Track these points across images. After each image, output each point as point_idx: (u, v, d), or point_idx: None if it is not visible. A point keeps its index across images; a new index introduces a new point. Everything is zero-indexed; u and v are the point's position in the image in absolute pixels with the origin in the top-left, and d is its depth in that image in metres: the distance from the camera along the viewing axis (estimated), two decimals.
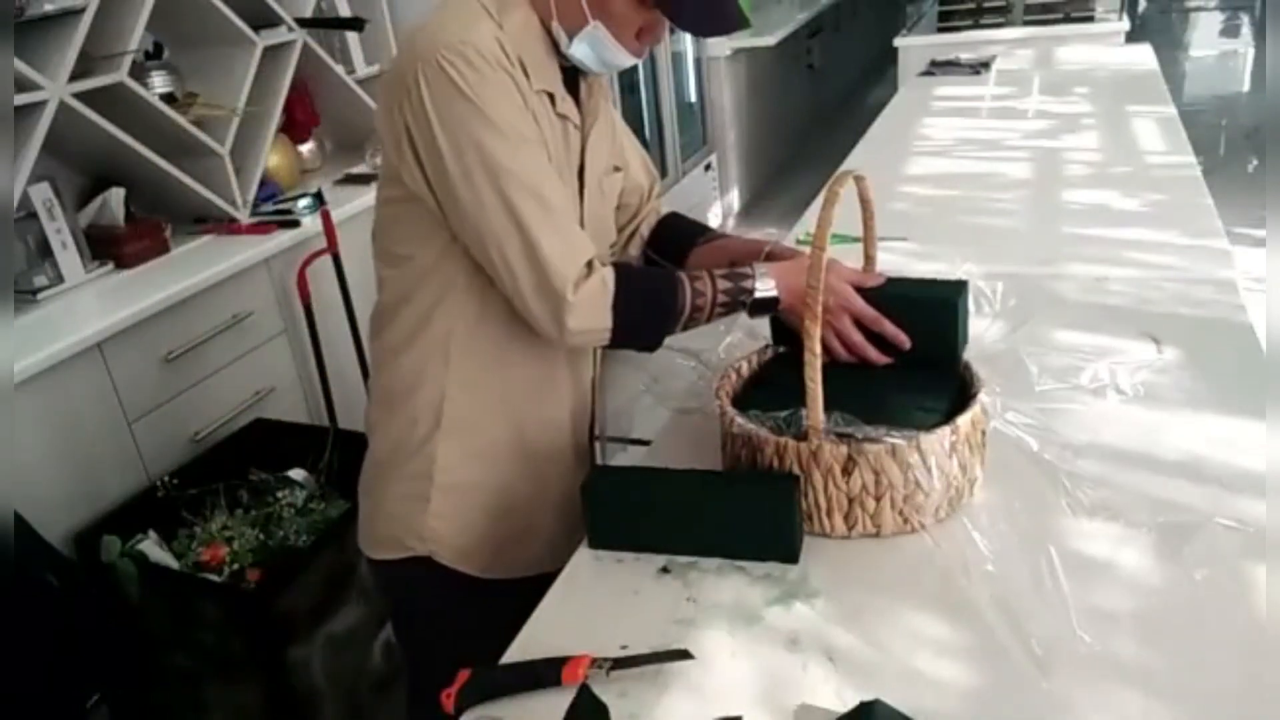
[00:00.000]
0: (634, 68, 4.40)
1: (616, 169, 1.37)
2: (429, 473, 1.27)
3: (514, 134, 1.11)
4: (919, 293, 1.29)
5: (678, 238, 1.46)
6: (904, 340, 1.23)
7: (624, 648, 0.99)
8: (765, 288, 1.21)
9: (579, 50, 1.17)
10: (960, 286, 1.28)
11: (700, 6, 1.15)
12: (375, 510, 1.35)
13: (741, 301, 1.21)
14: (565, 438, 1.36)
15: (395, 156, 1.15)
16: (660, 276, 1.22)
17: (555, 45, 1.19)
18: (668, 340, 1.22)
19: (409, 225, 1.20)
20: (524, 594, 1.11)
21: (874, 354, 1.24)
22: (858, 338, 1.23)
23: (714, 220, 5.06)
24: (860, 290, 1.24)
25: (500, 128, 1.10)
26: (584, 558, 1.16)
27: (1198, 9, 11.06)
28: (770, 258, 1.32)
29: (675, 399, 1.47)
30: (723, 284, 1.21)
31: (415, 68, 1.09)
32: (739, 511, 1.10)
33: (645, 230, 1.48)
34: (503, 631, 1.04)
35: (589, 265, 1.15)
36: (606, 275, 1.16)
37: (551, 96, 1.19)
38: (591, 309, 1.14)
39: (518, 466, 1.31)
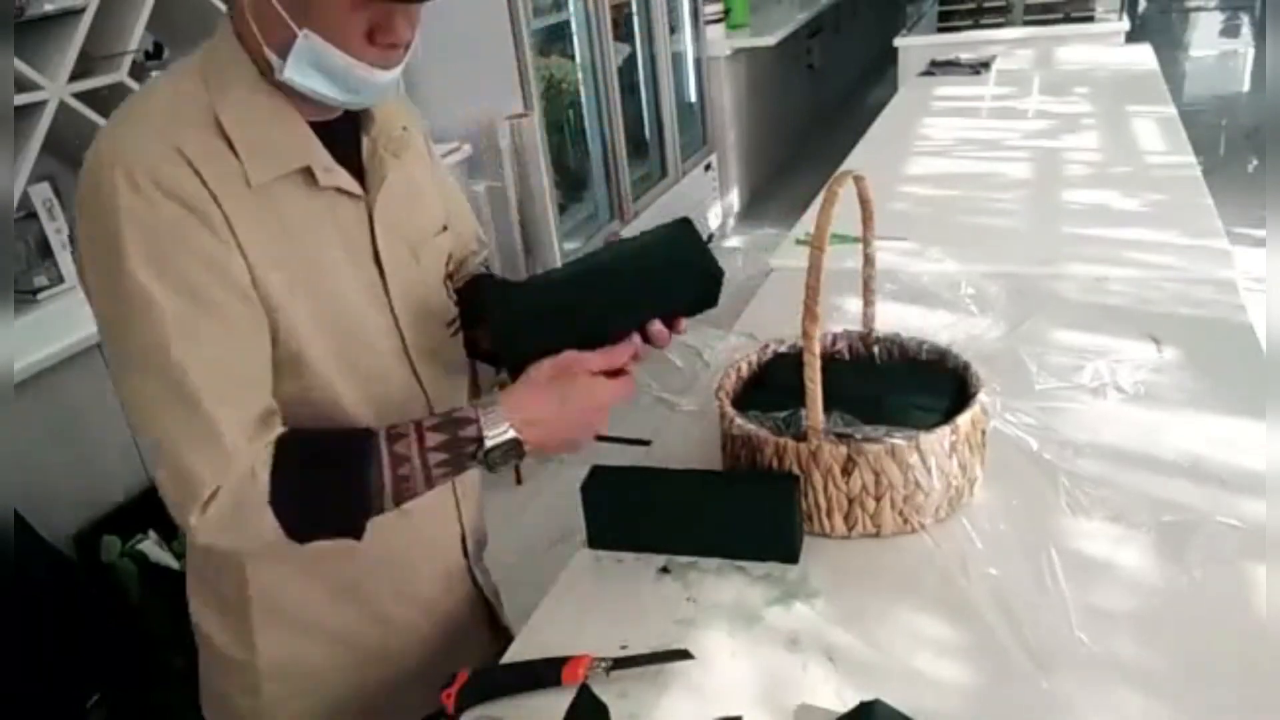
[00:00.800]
0: (633, 66, 4.40)
1: (445, 229, 1.13)
2: (251, 661, 1.08)
3: (172, 285, 0.86)
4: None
5: (472, 307, 1.18)
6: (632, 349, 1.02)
7: (624, 647, 0.99)
8: (497, 432, 0.94)
9: (296, 73, 0.90)
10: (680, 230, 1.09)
11: None
12: (201, 679, 1.15)
13: (469, 454, 0.94)
14: (427, 566, 1.14)
15: None
16: (344, 451, 0.93)
17: (306, 99, 0.93)
18: None
19: None
20: None
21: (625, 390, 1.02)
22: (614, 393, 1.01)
23: (714, 220, 5.06)
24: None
25: (148, 276, 0.86)
26: (584, 558, 1.16)
27: (1198, 9, 11.05)
28: None
29: (675, 399, 1.47)
30: (435, 438, 0.94)
31: (80, 189, 0.89)
32: (739, 511, 1.10)
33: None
34: None
35: (231, 473, 0.88)
36: (260, 469, 0.89)
37: (310, 172, 0.95)
38: (235, 521, 0.89)
39: (351, 619, 1.10)
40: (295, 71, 0.90)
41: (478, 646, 1.22)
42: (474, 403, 0.97)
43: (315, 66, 0.90)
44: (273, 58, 0.91)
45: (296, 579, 1.06)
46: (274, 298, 0.93)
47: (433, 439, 0.94)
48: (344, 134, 1.00)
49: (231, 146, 0.91)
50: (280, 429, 0.93)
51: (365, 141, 1.03)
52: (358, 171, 1.01)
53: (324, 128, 0.98)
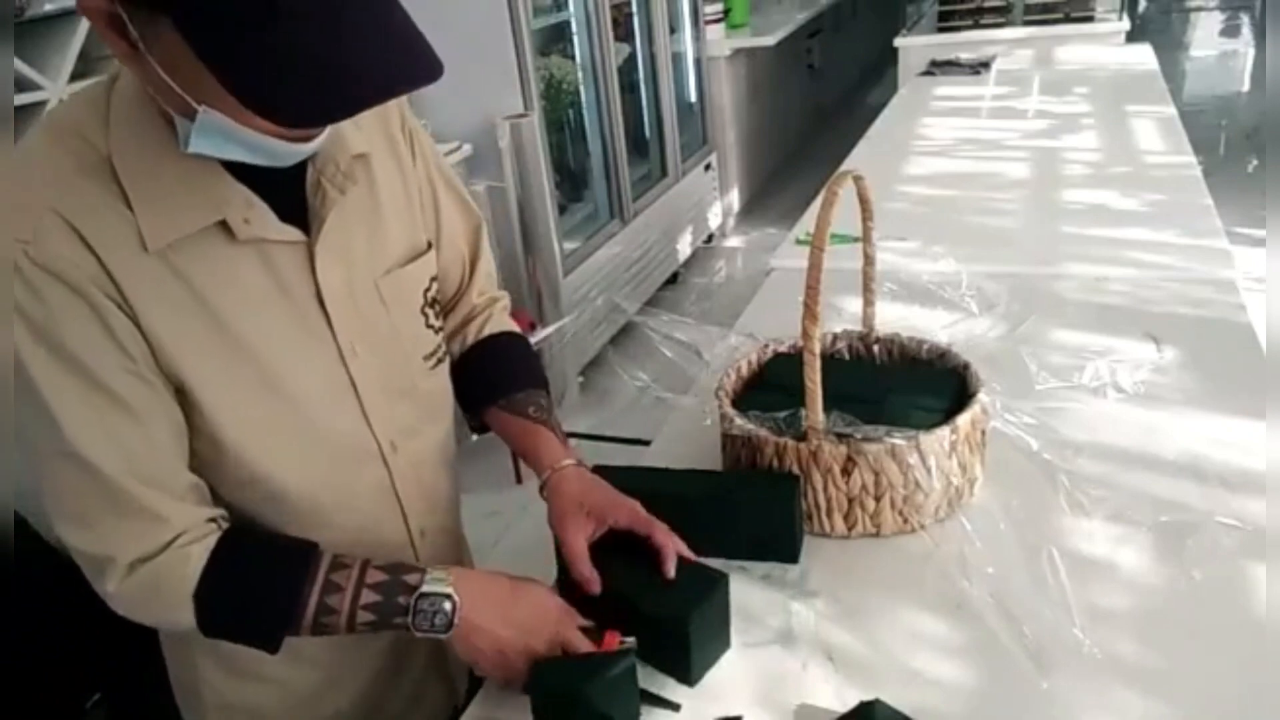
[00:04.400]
0: (633, 66, 4.40)
1: (425, 250, 1.04)
2: (196, 688, 1.07)
3: (66, 376, 0.80)
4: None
5: (477, 384, 1.13)
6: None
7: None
8: (436, 588, 0.90)
9: (207, 147, 0.78)
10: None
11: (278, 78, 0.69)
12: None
13: (396, 624, 0.90)
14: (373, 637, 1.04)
15: None
16: (285, 563, 0.90)
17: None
18: (667, 339, 1.18)
19: None
20: None
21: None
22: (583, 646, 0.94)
23: (714, 220, 5.06)
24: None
25: (41, 369, 0.80)
26: None
27: (1198, 9, 11.05)
28: (547, 485, 1.05)
29: (675, 399, 1.46)
30: (369, 596, 0.90)
31: None
32: (739, 511, 1.10)
33: (471, 336, 1.14)
34: None
35: (162, 544, 0.86)
36: (194, 557, 0.86)
37: (226, 225, 0.85)
38: (152, 599, 0.87)
39: (295, 671, 1.05)
40: (202, 145, 0.78)
41: (436, 706, 1.16)
42: (428, 572, 0.92)
43: (224, 138, 0.77)
44: (182, 126, 0.79)
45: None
46: (183, 373, 0.85)
47: (368, 597, 0.90)
48: (283, 170, 0.86)
49: (128, 201, 0.81)
50: (218, 510, 0.90)
51: (310, 173, 0.92)
52: (302, 208, 0.91)
53: (256, 165, 0.84)
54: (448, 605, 0.90)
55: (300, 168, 0.90)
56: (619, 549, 1.01)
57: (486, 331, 1.16)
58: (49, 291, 0.79)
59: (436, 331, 1.06)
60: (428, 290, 1.04)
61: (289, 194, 0.90)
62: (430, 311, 1.04)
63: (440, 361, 1.07)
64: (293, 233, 0.90)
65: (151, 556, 0.85)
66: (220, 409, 0.88)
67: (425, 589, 0.90)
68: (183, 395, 0.87)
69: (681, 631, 0.93)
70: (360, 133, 0.96)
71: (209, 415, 0.88)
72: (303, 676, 1.05)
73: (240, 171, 0.85)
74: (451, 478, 1.15)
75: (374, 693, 1.10)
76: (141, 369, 0.84)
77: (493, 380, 1.13)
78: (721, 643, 0.99)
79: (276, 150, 0.80)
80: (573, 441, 1.12)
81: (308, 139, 0.82)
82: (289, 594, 0.89)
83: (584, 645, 0.93)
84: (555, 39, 3.87)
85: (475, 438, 1.14)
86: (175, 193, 0.83)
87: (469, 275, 1.15)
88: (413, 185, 1.04)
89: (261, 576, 0.90)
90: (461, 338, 1.15)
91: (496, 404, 1.11)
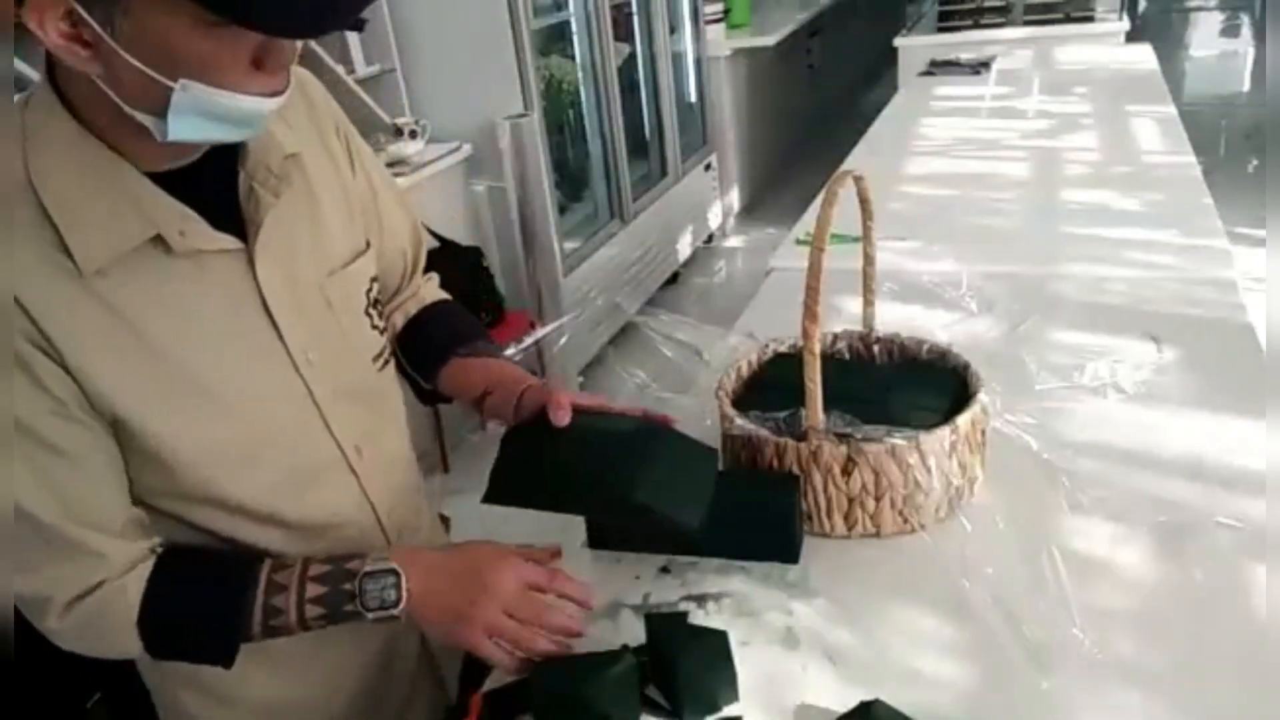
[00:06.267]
0: (633, 66, 4.40)
1: (364, 250, 1.03)
2: (177, 711, 1.04)
3: None
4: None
5: (435, 344, 1.15)
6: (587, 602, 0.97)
7: (625, 646, 0.99)
8: (379, 567, 0.90)
9: (182, 130, 0.77)
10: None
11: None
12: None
13: (348, 612, 0.90)
14: (355, 630, 0.97)
15: None
16: (220, 582, 0.90)
17: (147, 146, 0.80)
18: (666, 339, 1.18)
19: None
20: None
21: (543, 644, 0.93)
22: (522, 635, 0.92)
23: (714, 220, 5.06)
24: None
25: None
26: (584, 558, 1.16)
27: (1198, 9, 11.05)
28: (521, 400, 1.05)
29: (675, 399, 1.46)
30: (314, 589, 0.89)
31: None
32: (739, 511, 1.10)
33: (399, 320, 1.16)
34: None
35: (96, 581, 0.85)
36: (131, 587, 0.86)
37: (161, 240, 0.83)
38: (97, 632, 0.87)
39: (273, 687, 1.03)
40: (180, 128, 0.77)
41: (426, 706, 1.16)
42: (366, 557, 0.92)
43: (200, 114, 0.76)
44: (146, 120, 0.77)
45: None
46: (118, 409, 0.83)
47: (314, 590, 0.90)
48: (214, 174, 0.87)
49: (55, 227, 0.79)
50: (155, 540, 0.89)
51: (241, 178, 0.90)
52: (238, 215, 0.89)
53: (185, 175, 0.85)
54: (392, 579, 0.90)
55: (230, 176, 0.89)
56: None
57: (427, 301, 1.19)
58: None
59: (381, 333, 1.05)
60: (369, 291, 1.03)
61: (222, 204, 0.88)
62: (374, 313, 1.04)
63: (387, 363, 1.07)
64: (230, 241, 0.88)
65: (89, 592, 0.85)
66: (166, 436, 0.86)
67: (368, 568, 0.90)
68: (122, 426, 0.84)
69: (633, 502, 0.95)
70: (292, 132, 0.95)
71: (155, 444, 0.86)
72: (289, 693, 1.04)
73: (171, 185, 0.84)
74: (418, 476, 1.16)
75: (364, 703, 1.09)
76: (72, 410, 0.82)
77: (455, 332, 1.16)
78: (691, 490, 1.01)
79: (250, 113, 0.78)
80: None
81: (279, 89, 0.80)
82: (231, 603, 0.88)
83: (542, 573, 0.94)
84: (555, 39, 3.87)
85: (476, 437, 1.15)
86: (105, 211, 0.80)
87: (410, 270, 1.17)
88: (351, 188, 1.03)
89: (202, 592, 0.89)
90: (404, 311, 1.17)
91: (457, 354, 1.13)
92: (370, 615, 0.90)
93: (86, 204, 0.80)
